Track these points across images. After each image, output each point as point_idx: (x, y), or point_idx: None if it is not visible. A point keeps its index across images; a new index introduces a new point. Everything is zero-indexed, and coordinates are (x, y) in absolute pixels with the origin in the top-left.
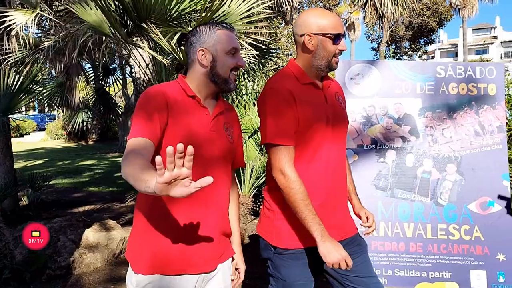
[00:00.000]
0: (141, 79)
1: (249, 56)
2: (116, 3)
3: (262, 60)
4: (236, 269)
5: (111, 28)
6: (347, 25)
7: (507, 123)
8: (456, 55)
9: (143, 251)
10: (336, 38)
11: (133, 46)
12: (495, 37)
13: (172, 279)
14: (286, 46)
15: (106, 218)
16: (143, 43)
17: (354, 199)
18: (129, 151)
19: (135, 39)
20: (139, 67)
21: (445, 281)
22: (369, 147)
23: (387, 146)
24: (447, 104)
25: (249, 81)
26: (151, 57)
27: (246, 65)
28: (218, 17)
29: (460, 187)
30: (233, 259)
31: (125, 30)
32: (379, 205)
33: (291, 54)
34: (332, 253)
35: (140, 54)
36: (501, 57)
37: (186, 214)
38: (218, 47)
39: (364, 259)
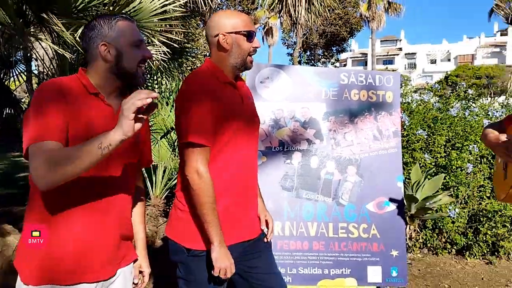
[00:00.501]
0: (44, 73)
1: (161, 54)
2: None
3: (179, 60)
4: (141, 272)
5: (6, 17)
6: (265, 29)
7: (405, 128)
8: (366, 64)
9: (32, 259)
10: (250, 35)
11: (34, 38)
12: (400, 49)
13: None
14: (204, 47)
15: (3, 223)
16: (44, 35)
17: (258, 200)
18: (43, 152)
19: (33, 30)
20: (41, 60)
21: (345, 277)
22: (277, 149)
23: (293, 148)
24: (349, 109)
25: (162, 79)
26: (54, 50)
27: (160, 64)
28: (128, 12)
29: (359, 188)
30: (135, 262)
31: (21, 20)
32: (285, 205)
33: (209, 55)
34: (224, 260)
35: (43, 48)
36: (405, 67)
37: (82, 219)
38: (122, 40)
39: (268, 256)
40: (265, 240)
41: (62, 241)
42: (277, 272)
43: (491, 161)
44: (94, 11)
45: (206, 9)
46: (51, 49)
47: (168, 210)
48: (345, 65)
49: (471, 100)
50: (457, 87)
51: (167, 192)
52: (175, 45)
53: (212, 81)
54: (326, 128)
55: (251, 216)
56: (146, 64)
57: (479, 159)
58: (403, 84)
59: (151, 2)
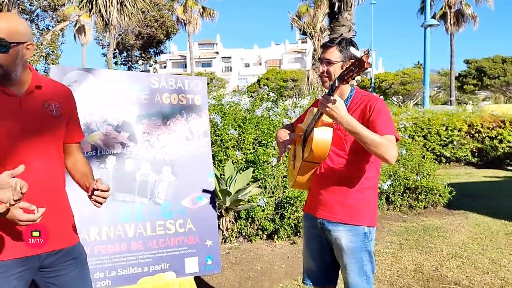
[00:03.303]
0: None
1: None
2: None
3: None
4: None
5: None
6: (76, 27)
7: (219, 128)
8: (186, 66)
9: None
10: None
11: None
12: (217, 53)
13: None
14: None
15: None
16: None
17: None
18: None
19: None
20: None
21: (164, 272)
22: (90, 153)
23: (107, 152)
24: (162, 112)
25: None
26: None
27: None
28: None
29: (174, 186)
30: None
31: None
32: (101, 210)
33: None
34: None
35: None
36: (222, 70)
37: None
38: None
39: (81, 273)
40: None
41: None
42: None
43: None
44: None
45: (4, 1)
46: None
47: None
48: (165, 67)
49: (273, 102)
50: (262, 90)
51: None
52: None
53: None
54: (140, 131)
55: (51, 227)
56: None
57: None
58: (220, 87)
59: None
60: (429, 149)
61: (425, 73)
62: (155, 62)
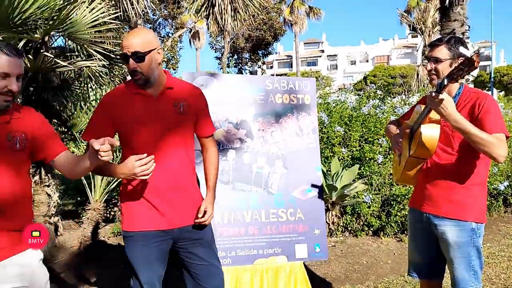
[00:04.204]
0: None
1: (99, 66)
2: None
3: (109, 66)
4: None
5: None
6: (191, 33)
7: (325, 126)
8: (291, 66)
9: None
10: (121, 58)
11: None
12: (323, 51)
13: None
14: None
15: None
16: None
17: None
18: None
19: None
20: None
21: (276, 255)
22: None
23: (228, 146)
24: (275, 111)
25: (93, 88)
26: None
27: (95, 71)
28: (65, 26)
29: (286, 178)
30: None
31: None
32: (223, 197)
33: None
34: (125, 171)
35: None
36: (327, 69)
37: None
38: None
39: (207, 249)
40: (196, 222)
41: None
42: (211, 263)
43: None
44: (33, 25)
45: (132, 13)
46: None
47: (107, 214)
48: (271, 67)
49: (380, 100)
50: (368, 88)
51: (106, 196)
52: (111, 54)
53: (119, 90)
54: (255, 128)
55: (176, 207)
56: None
57: (388, 150)
58: (326, 85)
59: (83, 16)
60: None
61: None
62: (263, 63)
